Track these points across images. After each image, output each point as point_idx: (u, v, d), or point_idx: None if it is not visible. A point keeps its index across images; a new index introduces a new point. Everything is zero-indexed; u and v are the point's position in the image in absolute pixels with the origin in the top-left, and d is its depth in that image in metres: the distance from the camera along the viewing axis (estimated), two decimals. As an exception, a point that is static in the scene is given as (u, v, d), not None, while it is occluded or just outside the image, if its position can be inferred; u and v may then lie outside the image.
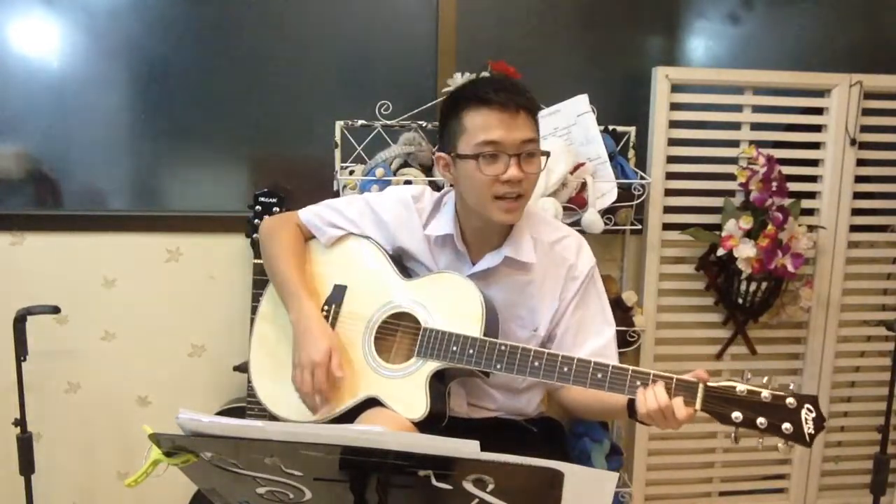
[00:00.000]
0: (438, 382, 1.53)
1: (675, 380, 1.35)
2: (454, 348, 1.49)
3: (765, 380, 1.33)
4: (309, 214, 1.71)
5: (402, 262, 1.67)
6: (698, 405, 1.34)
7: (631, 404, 1.40)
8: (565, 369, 1.43)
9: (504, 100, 1.46)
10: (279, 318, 1.68)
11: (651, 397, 1.35)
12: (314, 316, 1.56)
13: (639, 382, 1.38)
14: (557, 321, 1.62)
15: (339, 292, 1.64)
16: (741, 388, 1.32)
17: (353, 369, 1.58)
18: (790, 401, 1.29)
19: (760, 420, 1.30)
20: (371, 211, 1.67)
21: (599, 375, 1.41)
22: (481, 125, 1.48)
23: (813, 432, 1.29)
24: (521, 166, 1.47)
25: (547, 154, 1.53)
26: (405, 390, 1.51)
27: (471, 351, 1.48)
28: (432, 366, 1.51)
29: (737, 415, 1.31)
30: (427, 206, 1.65)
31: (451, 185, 1.61)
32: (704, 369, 1.38)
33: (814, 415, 1.29)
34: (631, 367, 1.40)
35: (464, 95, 1.52)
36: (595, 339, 1.60)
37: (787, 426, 1.29)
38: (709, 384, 1.34)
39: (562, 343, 1.61)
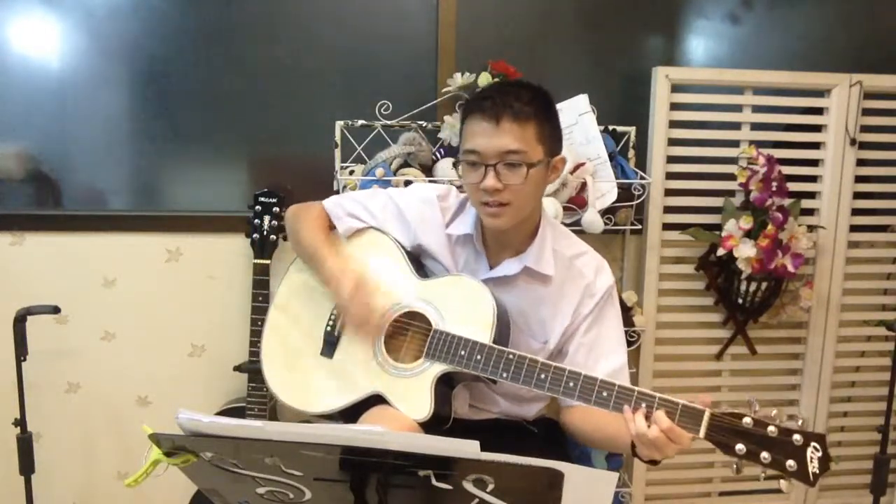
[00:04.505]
0: (444, 385, 1.53)
1: (680, 405, 1.30)
2: (462, 352, 1.47)
3: (773, 413, 1.28)
4: (331, 203, 1.72)
5: (421, 260, 1.66)
6: (702, 433, 1.29)
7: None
8: (571, 384, 1.39)
9: (488, 108, 1.45)
10: (292, 307, 1.70)
11: (652, 427, 1.30)
12: (341, 264, 1.58)
13: (644, 404, 1.33)
14: (569, 337, 1.60)
15: None
16: (748, 419, 1.27)
17: (362, 364, 1.58)
18: (797, 437, 1.25)
19: (764, 455, 1.25)
20: (394, 205, 1.67)
21: (605, 394, 1.37)
22: (469, 132, 1.50)
23: (818, 472, 1.24)
24: (498, 176, 1.46)
25: (532, 165, 1.46)
26: (411, 390, 1.51)
27: (478, 357, 1.46)
28: (439, 368, 1.50)
29: (741, 447, 1.26)
30: (452, 205, 1.65)
31: None
32: (706, 383, 1.32)
33: (820, 454, 1.24)
34: (637, 389, 1.35)
35: (470, 99, 1.54)
36: (607, 361, 1.57)
37: (791, 463, 1.24)
38: (715, 413, 1.29)
39: (573, 360, 1.58)
